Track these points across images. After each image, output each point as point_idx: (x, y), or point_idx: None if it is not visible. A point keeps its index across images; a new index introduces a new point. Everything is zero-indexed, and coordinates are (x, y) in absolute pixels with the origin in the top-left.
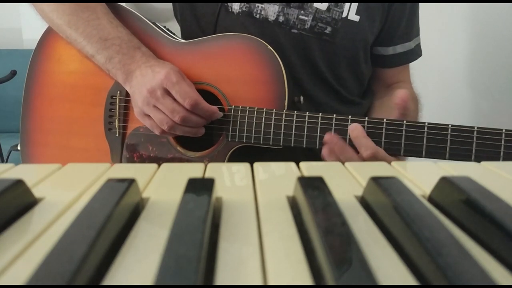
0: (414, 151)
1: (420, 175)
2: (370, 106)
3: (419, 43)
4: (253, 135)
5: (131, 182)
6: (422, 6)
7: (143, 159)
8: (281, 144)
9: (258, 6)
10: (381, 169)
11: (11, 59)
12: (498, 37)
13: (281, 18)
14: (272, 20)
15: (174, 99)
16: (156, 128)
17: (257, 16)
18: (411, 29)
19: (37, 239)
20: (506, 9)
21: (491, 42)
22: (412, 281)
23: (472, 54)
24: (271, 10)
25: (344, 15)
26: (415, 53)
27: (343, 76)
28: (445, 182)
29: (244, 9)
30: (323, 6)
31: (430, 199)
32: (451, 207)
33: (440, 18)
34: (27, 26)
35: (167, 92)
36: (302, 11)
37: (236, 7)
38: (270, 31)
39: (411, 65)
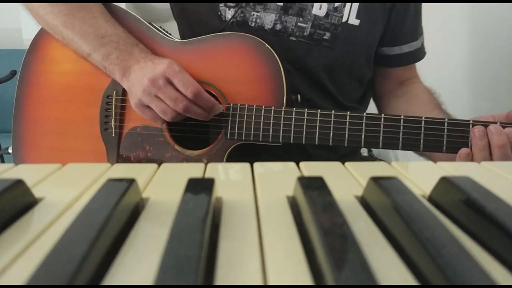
0: (412, 145)
1: (420, 175)
2: (388, 106)
3: (423, 42)
4: (252, 132)
5: (131, 182)
6: (422, 6)
7: (140, 159)
8: (280, 140)
9: (253, 15)
10: (381, 169)
11: (11, 59)
12: (498, 37)
13: (278, 26)
14: (268, 28)
15: (176, 89)
16: (157, 120)
17: (252, 25)
18: (417, 28)
19: (37, 239)
20: (506, 9)
21: (491, 42)
22: (412, 281)
23: (472, 54)
24: (268, 19)
25: (344, 19)
26: (422, 51)
27: (342, 81)
28: (445, 182)
29: (238, 18)
30: (321, 12)
31: (430, 199)
32: (451, 207)
33: (440, 18)
34: (27, 26)
35: (169, 81)
36: (300, 19)
37: (229, 15)
38: (265, 40)
39: None
